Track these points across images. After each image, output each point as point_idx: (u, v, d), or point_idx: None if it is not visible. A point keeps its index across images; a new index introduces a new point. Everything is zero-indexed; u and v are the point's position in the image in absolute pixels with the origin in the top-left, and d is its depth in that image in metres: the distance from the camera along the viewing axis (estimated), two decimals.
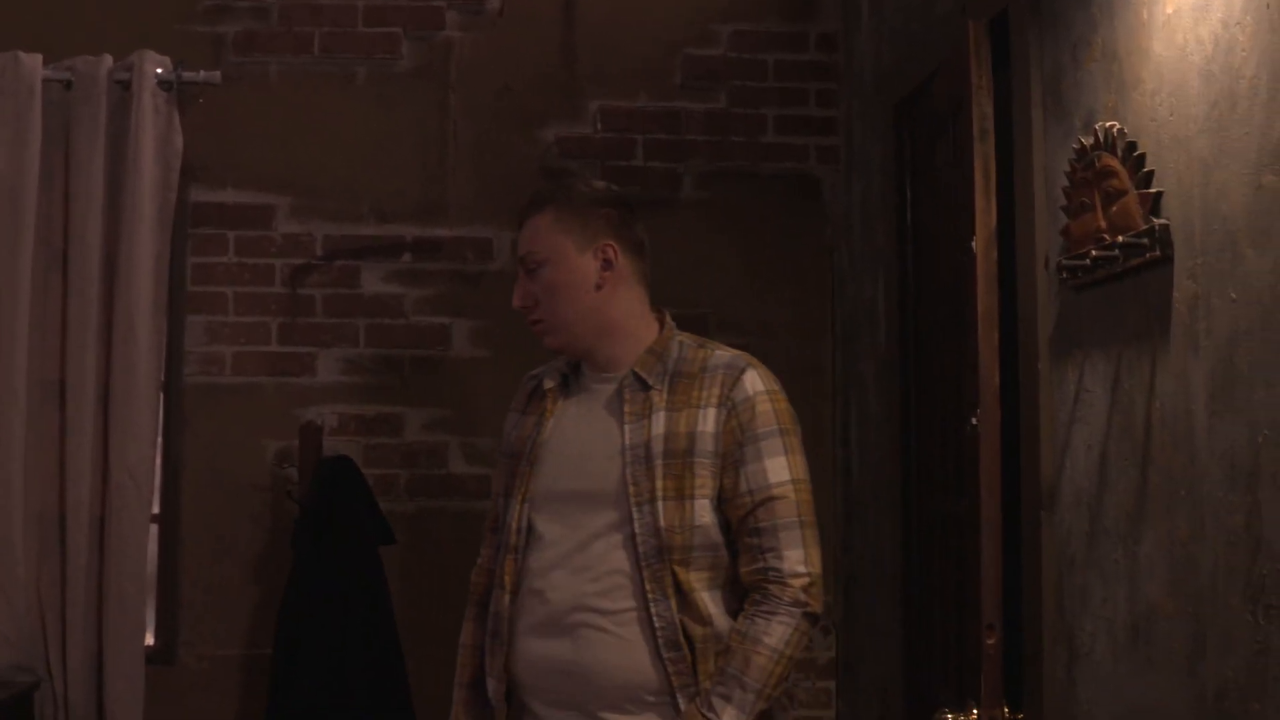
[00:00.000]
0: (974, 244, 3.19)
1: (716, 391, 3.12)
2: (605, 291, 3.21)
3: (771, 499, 3.07)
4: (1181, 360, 2.75)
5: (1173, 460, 2.79)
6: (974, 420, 3.24)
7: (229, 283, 5.06)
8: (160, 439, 4.92)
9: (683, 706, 3.02)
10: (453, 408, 5.11)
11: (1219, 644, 2.62)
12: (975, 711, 3.16)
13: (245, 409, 5.03)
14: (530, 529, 3.18)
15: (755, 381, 3.14)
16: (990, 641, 3.10)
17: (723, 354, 3.21)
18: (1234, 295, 2.57)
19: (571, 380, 3.29)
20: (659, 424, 3.11)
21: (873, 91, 4.88)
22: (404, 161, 5.17)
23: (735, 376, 3.14)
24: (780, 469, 3.10)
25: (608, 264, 3.21)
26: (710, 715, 2.98)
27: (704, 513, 3.07)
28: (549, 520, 3.16)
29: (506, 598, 3.17)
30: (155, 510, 4.93)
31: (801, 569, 3.06)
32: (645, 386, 3.16)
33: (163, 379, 4.91)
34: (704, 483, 3.08)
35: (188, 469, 5.01)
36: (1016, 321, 3.52)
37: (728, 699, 2.99)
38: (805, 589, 3.05)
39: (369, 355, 5.11)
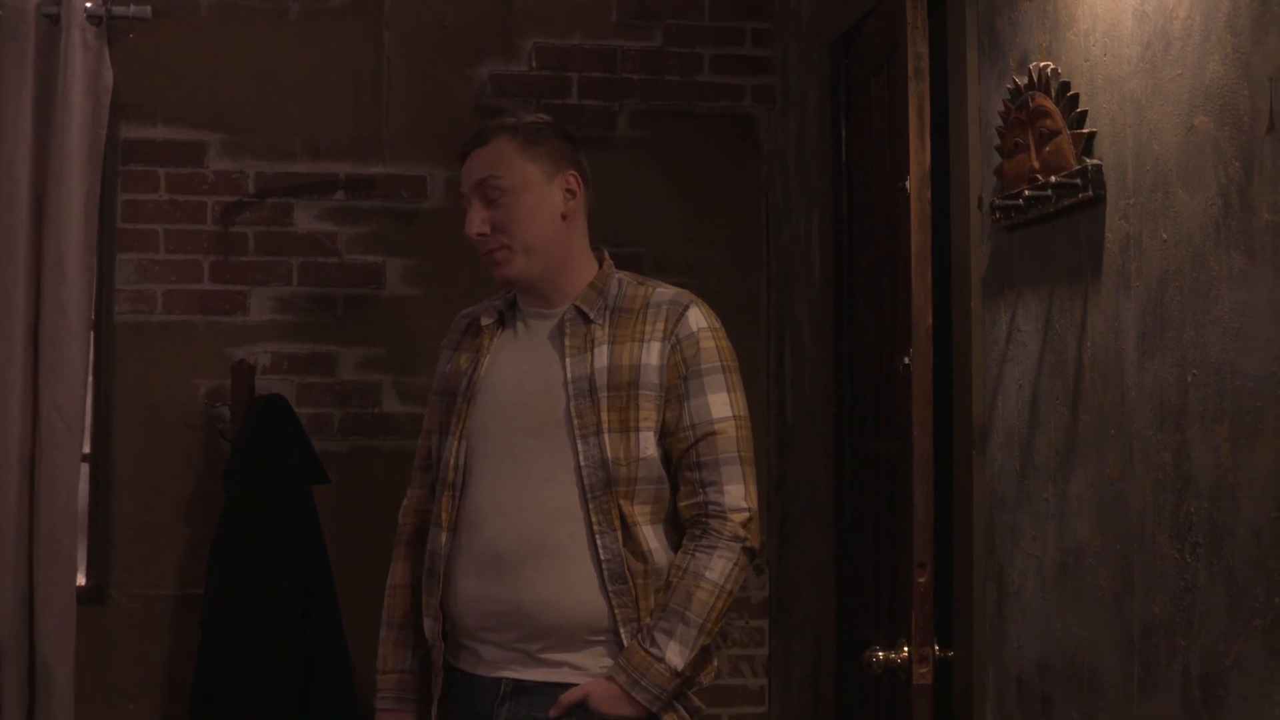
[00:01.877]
0: (908, 183, 3.19)
1: (661, 326, 3.12)
2: (569, 222, 3.20)
3: (714, 434, 3.08)
4: (1112, 300, 2.77)
5: (1103, 399, 2.81)
6: (906, 359, 3.25)
7: (160, 220, 5.01)
8: (91, 378, 4.88)
9: (626, 642, 3.01)
10: (386, 346, 5.10)
11: (1146, 581, 2.65)
12: (906, 649, 3.19)
13: (177, 347, 5.00)
14: (469, 465, 3.16)
15: (699, 318, 3.15)
16: (921, 580, 3.12)
17: (665, 290, 3.20)
18: (1165, 236, 2.58)
19: (508, 316, 3.27)
20: (601, 357, 3.10)
21: (808, 31, 4.87)
22: (337, 98, 5.12)
23: (680, 312, 3.14)
24: (723, 405, 3.10)
25: (571, 193, 3.20)
26: (653, 650, 2.98)
27: (648, 445, 3.07)
28: (488, 456, 3.13)
29: (444, 535, 3.14)
30: (86, 450, 4.89)
31: (742, 504, 3.07)
32: (586, 320, 3.15)
33: (93, 317, 4.87)
34: (648, 415, 3.07)
35: (119, 408, 4.97)
36: (950, 261, 3.54)
37: (670, 634, 2.99)
38: (745, 524, 3.06)
39: (302, 294, 5.07)
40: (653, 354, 3.10)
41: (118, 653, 4.90)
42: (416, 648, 3.27)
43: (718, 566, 3.03)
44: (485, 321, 3.26)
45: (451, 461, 3.17)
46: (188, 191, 5.03)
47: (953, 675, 3.52)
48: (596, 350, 3.11)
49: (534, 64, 5.23)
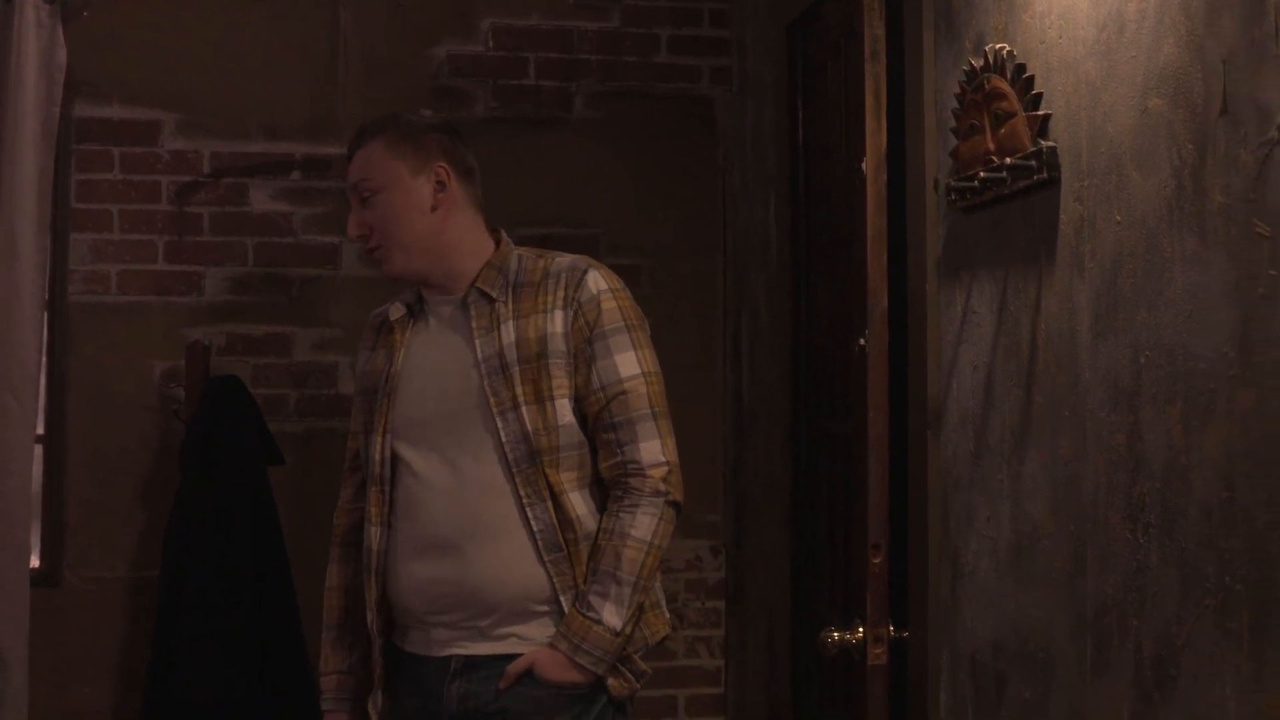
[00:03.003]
0: (864, 165, 3.19)
1: (561, 294, 3.16)
2: (440, 214, 3.23)
3: (624, 393, 3.12)
4: (1066, 281, 2.78)
5: (1057, 380, 2.82)
6: (862, 341, 3.25)
7: (114, 200, 4.97)
8: (44, 359, 4.85)
9: (566, 610, 3.06)
10: (342, 328, 5.07)
11: (1099, 562, 2.66)
12: (861, 630, 3.19)
13: (131, 328, 4.96)
14: (395, 458, 3.20)
15: (598, 281, 3.18)
16: (876, 561, 3.13)
17: (563, 259, 3.24)
18: (1119, 217, 2.59)
19: (416, 309, 3.30)
20: (509, 332, 3.14)
21: (766, 13, 4.87)
22: (293, 78, 5.09)
23: (578, 278, 3.17)
24: (630, 363, 3.14)
25: (441, 185, 3.23)
26: (590, 614, 3.02)
27: (565, 412, 3.11)
28: (414, 447, 3.18)
29: (376, 530, 3.19)
30: (40, 431, 4.86)
31: (660, 458, 3.11)
32: (489, 299, 3.18)
33: (47, 298, 4.83)
34: (560, 383, 3.12)
35: (73, 389, 4.93)
36: (905, 243, 3.54)
37: (605, 595, 3.03)
38: (665, 478, 3.10)
39: (257, 274, 5.05)
40: (556, 322, 3.14)
41: (72, 635, 4.87)
42: (354, 647, 3.32)
43: (643, 524, 3.07)
44: (394, 316, 3.30)
45: (378, 457, 3.22)
46: (142, 171, 4.99)
47: (907, 656, 3.53)
48: (503, 327, 3.15)
49: (491, 44, 5.21)
